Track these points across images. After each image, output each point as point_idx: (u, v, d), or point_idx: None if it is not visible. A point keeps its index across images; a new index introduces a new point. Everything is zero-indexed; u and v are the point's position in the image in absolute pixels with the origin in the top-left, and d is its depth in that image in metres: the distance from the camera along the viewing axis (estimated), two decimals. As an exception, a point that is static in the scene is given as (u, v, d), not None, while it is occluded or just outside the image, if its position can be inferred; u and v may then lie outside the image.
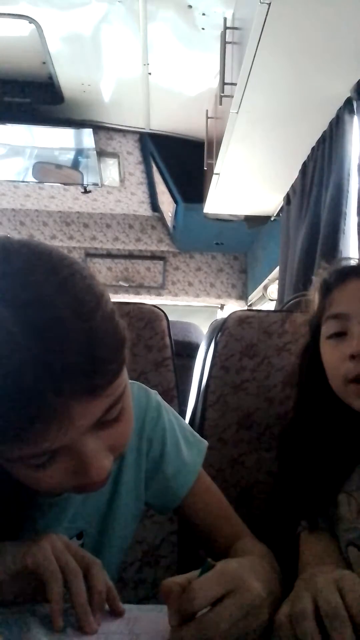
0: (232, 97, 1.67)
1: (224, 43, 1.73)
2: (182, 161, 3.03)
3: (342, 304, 0.81)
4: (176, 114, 2.84)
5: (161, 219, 3.97)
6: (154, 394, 0.83)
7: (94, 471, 0.54)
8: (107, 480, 0.58)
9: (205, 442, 0.85)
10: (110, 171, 3.34)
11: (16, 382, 0.45)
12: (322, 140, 1.82)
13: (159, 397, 0.83)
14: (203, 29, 2.11)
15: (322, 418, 0.83)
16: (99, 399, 0.50)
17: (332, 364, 0.80)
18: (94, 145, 2.99)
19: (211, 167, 2.35)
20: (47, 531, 0.63)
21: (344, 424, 0.80)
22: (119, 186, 3.53)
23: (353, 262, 0.92)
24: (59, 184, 3.44)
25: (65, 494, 0.70)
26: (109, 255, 4.10)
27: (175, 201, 3.17)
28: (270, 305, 3.34)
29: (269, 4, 1.22)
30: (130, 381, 0.62)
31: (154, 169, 3.21)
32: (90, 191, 3.51)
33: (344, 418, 0.80)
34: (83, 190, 3.45)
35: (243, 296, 4.13)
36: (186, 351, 1.65)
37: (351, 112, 1.60)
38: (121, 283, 4.07)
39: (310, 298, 0.89)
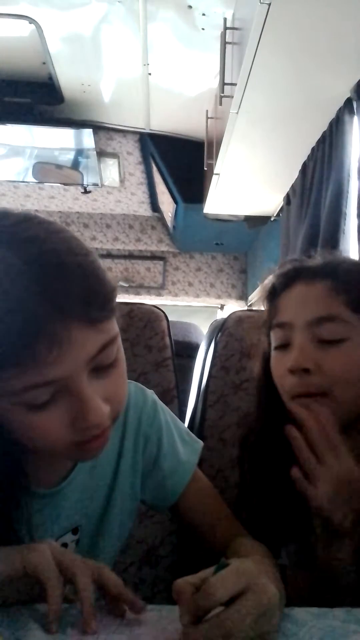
0: (232, 97, 1.67)
1: (224, 43, 1.73)
2: (182, 161, 3.03)
3: (286, 312, 0.77)
4: (176, 114, 2.84)
5: (161, 219, 3.97)
6: (151, 393, 0.84)
7: (92, 413, 0.54)
8: (104, 443, 0.59)
9: (201, 442, 0.86)
10: (110, 171, 3.34)
11: (19, 305, 0.49)
12: (322, 141, 1.82)
13: (156, 397, 0.84)
14: (203, 29, 2.11)
15: (278, 431, 0.75)
16: (95, 331, 0.53)
17: (277, 378, 0.77)
18: (94, 146, 2.99)
19: (211, 167, 2.35)
20: (43, 526, 0.63)
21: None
22: (119, 186, 3.53)
23: (300, 264, 0.83)
24: (59, 184, 3.44)
25: (62, 487, 0.71)
26: (109, 255, 4.10)
27: (175, 201, 3.17)
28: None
29: (269, 4, 1.22)
30: (127, 381, 0.64)
31: (154, 169, 3.21)
32: (90, 191, 3.51)
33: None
34: (83, 191, 3.45)
35: (243, 296, 4.12)
36: (186, 351, 1.65)
37: (351, 112, 1.60)
38: (121, 283, 4.07)
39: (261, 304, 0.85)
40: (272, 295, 0.82)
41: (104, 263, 0.58)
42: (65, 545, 0.73)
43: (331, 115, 1.70)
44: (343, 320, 0.73)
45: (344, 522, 0.66)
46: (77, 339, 0.51)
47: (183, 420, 1.32)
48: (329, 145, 1.74)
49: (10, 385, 0.51)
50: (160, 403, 0.84)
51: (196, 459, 0.83)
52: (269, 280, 0.84)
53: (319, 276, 0.77)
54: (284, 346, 0.77)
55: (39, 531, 0.67)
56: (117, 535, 0.79)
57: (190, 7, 2.00)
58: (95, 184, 3.38)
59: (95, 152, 3.05)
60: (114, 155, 3.20)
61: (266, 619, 0.50)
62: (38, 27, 2.20)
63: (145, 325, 1.24)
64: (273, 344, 0.79)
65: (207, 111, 2.48)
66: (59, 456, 0.66)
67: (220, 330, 1.24)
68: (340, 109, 1.65)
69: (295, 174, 2.12)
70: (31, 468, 0.64)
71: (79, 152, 3.11)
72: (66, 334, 0.50)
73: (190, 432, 0.87)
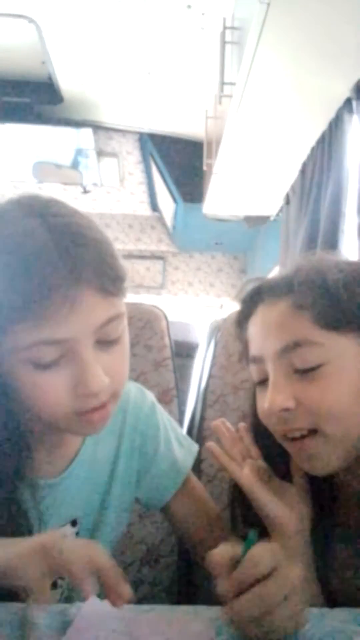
0: (232, 96, 1.67)
1: (223, 43, 1.73)
2: (182, 161, 3.03)
3: (255, 343, 0.67)
4: (176, 114, 2.84)
5: (161, 218, 3.97)
6: (150, 395, 0.86)
7: (92, 379, 0.57)
8: (104, 418, 0.62)
9: (197, 446, 0.88)
10: (110, 171, 3.34)
11: (39, 265, 0.53)
12: (321, 140, 1.82)
13: (154, 399, 0.86)
14: (202, 28, 2.11)
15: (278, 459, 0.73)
16: (105, 302, 0.58)
17: (262, 417, 0.68)
18: (93, 145, 2.99)
19: (210, 167, 2.35)
20: (43, 517, 0.66)
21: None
22: (119, 186, 3.53)
23: (261, 282, 0.71)
24: (58, 184, 3.44)
25: (63, 477, 0.72)
26: (109, 255, 4.09)
27: (175, 201, 3.17)
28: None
29: (268, 4, 1.22)
30: (128, 381, 0.68)
31: (154, 168, 3.21)
32: (89, 191, 3.51)
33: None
34: (83, 190, 3.45)
35: (243, 296, 4.12)
36: (186, 351, 1.65)
37: (351, 112, 1.60)
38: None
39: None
40: (241, 325, 0.71)
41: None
42: (64, 537, 0.73)
43: (331, 115, 1.70)
44: (313, 342, 0.61)
45: (291, 524, 0.67)
46: (87, 304, 0.55)
47: (182, 420, 1.32)
48: (328, 145, 1.74)
49: (21, 339, 0.54)
50: (158, 405, 0.86)
51: (191, 460, 0.85)
52: (235, 309, 0.74)
53: (279, 294, 0.65)
54: (263, 382, 0.67)
55: (39, 522, 0.68)
56: (114, 528, 0.80)
57: (189, 6, 2.00)
58: (94, 184, 3.38)
59: (94, 152, 3.05)
60: (113, 154, 3.20)
61: (299, 596, 0.50)
62: (37, 26, 2.19)
63: (144, 325, 1.24)
64: (254, 379, 0.69)
65: (206, 111, 2.48)
66: (60, 428, 0.64)
67: (220, 330, 1.24)
68: (339, 108, 1.65)
69: (295, 174, 2.12)
70: (34, 457, 0.66)
71: (79, 152, 3.11)
72: (78, 297, 0.54)
73: (187, 437, 0.88)
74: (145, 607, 0.59)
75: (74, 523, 0.75)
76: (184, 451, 0.85)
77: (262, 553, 0.50)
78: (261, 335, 0.66)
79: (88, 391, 0.57)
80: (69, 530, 0.74)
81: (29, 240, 0.54)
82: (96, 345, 0.58)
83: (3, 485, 0.62)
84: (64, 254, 0.54)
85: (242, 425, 0.78)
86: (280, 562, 0.50)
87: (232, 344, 1.22)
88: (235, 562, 0.50)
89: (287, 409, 0.62)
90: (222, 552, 0.51)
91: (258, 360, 0.66)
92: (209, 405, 1.20)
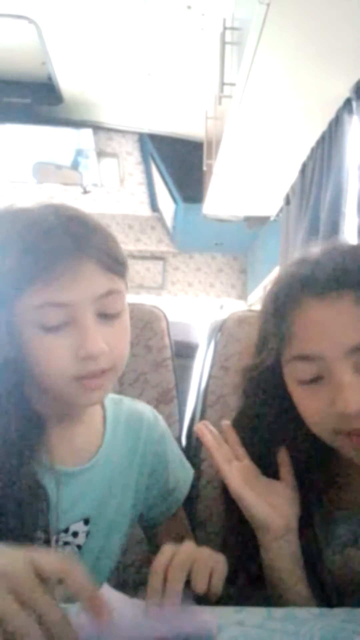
0: (232, 97, 1.67)
1: (223, 43, 1.73)
2: (182, 161, 3.03)
3: (310, 341, 0.62)
4: (175, 114, 2.84)
5: (161, 219, 3.97)
6: (161, 419, 0.92)
7: (90, 342, 0.64)
8: (102, 387, 0.68)
9: (192, 471, 0.95)
10: (110, 171, 3.34)
11: (46, 239, 0.63)
12: (321, 141, 1.82)
13: (164, 423, 0.92)
14: (202, 29, 2.11)
15: (285, 436, 0.73)
16: (105, 276, 0.66)
17: (314, 415, 0.65)
18: (93, 146, 2.99)
19: (210, 167, 2.35)
20: (58, 508, 0.69)
21: (309, 448, 0.72)
22: (119, 186, 3.53)
23: (305, 273, 0.65)
24: (58, 185, 3.44)
25: (82, 470, 0.74)
26: (109, 255, 4.09)
27: (175, 201, 3.17)
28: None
29: (268, 4, 1.22)
30: (143, 404, 0.87)
31: (154, 169, 3.21)
32: (89, 191, 3.51)
33: (308, 440, 0.70)
34: (83, 191, 3.45)
35: (243, 296, 4.12)
36: (186, 351, 1.65)
37: (350, 112, 1.60)
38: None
39: (261, 324, 0.70)
40: (279, 318, 0.65)
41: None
42: (75, 534, 0.75)
43: (331, 115, 1.70)
44: None
45: (277, 524, 0.68)
46: (88, 275, 0.65)
47: (182, 420, 1.32)
48: (328, 145, 1.74)
49: (31, 301, 0.63)
50: (167, 429, 0.92)
51: (188, 489, 0.92)
52: (269, 296, 0.69)
53: (340, 288, 0.61)
54: (314, 380, 0.63)
55: (54, 514, 0.70)
56: (126, 531, 0.83)
57: (189, 7, 2.00)
58: (94, 184, 3.38)
59: (94, 152, 3.05)
60: (113, 155, 3.20)
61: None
62: (37, 27, 2.20)
63: (144, 325, 1.24)
64: (295, 377, 0.64)
65: (206, 111, 2.48)
66: (63, 398, 0.69)
67: (220, 330, 1.24)
68: (339, 109, 1.65)
69: (294, 174, 2.12)
70: (53, 442, 0.71)
71: (79, 152, 3.11)
72: (80, 267, 0.64)
73: (187, 462, 0.95)
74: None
75: (86, 522, 0.76)
76: (185, 475, 0.92)
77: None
78: (322, 332, 0.60)
79: (87, 353, 0.64)
80: (81, 528, 0.75)
81: (41, 223, 0.65)
82: (98, 317, 0.66)
83: (23, 464, 0.66)
84: (70, 233, 0.65)
85: (226, 423, 0.78)
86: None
87: (232, 344, 1.22)
88: None
89: None
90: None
91: (312, 358, 0.61)
92: (209, 406, 1.20)
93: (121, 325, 0.70)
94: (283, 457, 0.74)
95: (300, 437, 0.71)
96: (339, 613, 0.58)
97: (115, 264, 0.68)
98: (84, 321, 0.64)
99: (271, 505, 0.69)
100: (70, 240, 0.64)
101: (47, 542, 0.68)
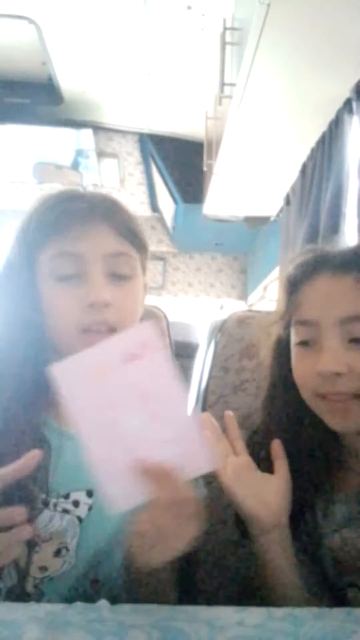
0: (232, 97, 1.67)
1: (223, 43, 1.73)
2: (182, 162, 3.03)
3: (311, 308, 0.71)
4: (176, 115, 2.84)
5: (161, 219, 3.97)
6: None
7: (96, 291, 0.70)
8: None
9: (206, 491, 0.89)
10: (110, 172, 3.34)
11: (68, 200, 0.75)
12: (321, 141, 1.82)
13: None
14: (202, 29, 2.11)
15: (290, 423, 0.77)
16: (115, 237, 0.74)
17: (301, 375, 0.73)
18: (93, 146, 2.99)
19: (211, 167, 2.35)
20: (63, 470, 0.70)
21: (313, 433, 0.75)
22: (119, 187, 3.53)
23: (323, 253, 0.76)
24: (58, 185, 3.44)
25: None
26: (109, 255, 4.09)
27: (175, 202, 3.17)
28: (270, 306, 3.34)
29: (269, 5, 1.22)
30: None
31: (154, 169, 3.21)
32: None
33: (312, 426, 0.75)
34: (83, 191, 3.45)
35: (243, 297, 4.12)
36: (186, 351, 1.64)
37: (351, 112, 1.60)
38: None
39: (278, 294, 0.79)
40: (292, 287, 0.74)
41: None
42: (76, 503, 0.74)
43: (331, 115, 1.70)
44: None
45: (265, 520, 0.69)
46: (98, 232, 0.73)
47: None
48: (328, 146, 1.74)
49: (48, 252, 0.72)
50: None
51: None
52: (288, 270, 0.77)
53: (347, 268, 0.69)
54: (307, 343, 0.71)
55: (56, 474, 0.70)
56: (129, 518, 0.80)
57: (189, 7, 2.00)
58: (95, 185, 3.38)
59: (95, 153, 3.06)
60: (113, 155, 3.20)
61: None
62: (38, 27, 2.20)
63: (145, 325, 1.24)
64: (294, 339, 0.73)
65: (206, 111, 2.48)
66: (71, 351, 0.69)
67: (220, 330, 1.24)
68: (339, 109, 1.65)
69: (295, 174, 2.12)
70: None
71: (79, 153, 3.11)
72: (93, 224, 0.72)
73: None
74: (145, 606, 0.59)
75: (89, 494, 0.75)
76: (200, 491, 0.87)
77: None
78: (321, 302, 0.70)
79: (91, 301, 0.69)
80: (84, 498, 0.74)
81: (64, 192, 0.78)
82: (108, 277, 0.72)
83: (32, 418, 0.69)
84: (87, 199, 0.75)
85: (228, 414, 0.80)
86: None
87: (232, 345, 1.22)
88: None
89: (338, 374, 0.66)
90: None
91: (310, 323, 0.70)
92: (209, 406, 1.20)
93: (131, 289, 0.75)
94: (277, 449, 0.75)
95: (304, 420, 0.75)
96: (339, 613, 0.58)
97: (126, 232, 0.75)
98: (92, 273, 0.71)
99: (261, 500, 0.70)
100: (86, 204, 0.74)
101: (45, 504, 0.70)
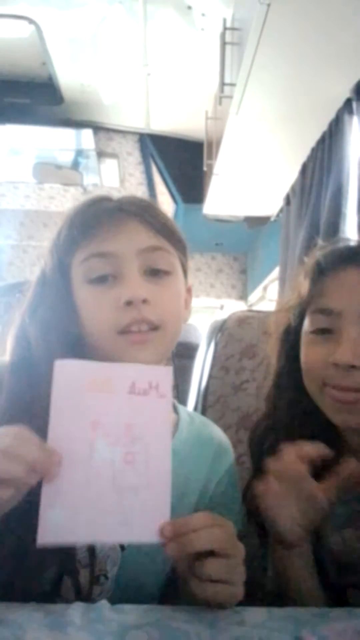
0: (232, 97, 1.67)
1: (223, 44, 1.73)
2: (182, 162, 3.03)
3: (334, 298, 0.69)
4: (176, 115, 2.85)
5: (161, 219, 3.97)
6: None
7: (131, 287, 0.66)
8: (144, 345, 0.67)
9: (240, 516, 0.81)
10: (110, 172, 3.34)
11: (99, 203, 0.73)
12: (321, 141, 1.82)
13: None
14: (202, 29, 2.11)
15: (293, 416, 0.75)
16: (148, 232, 0.70)
17: (311, 363, 0.71)
18: (93, 146, 3.00)
19: (211, 167, 2.35)
20: None
21: (315, 429, 0.72)
22: (119, 187, 3.53)
23: (353, 244, 0.76)
24: (58, 185, 3.44)
25: None
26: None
27: (175, 202, 3.17)
28: (270, 306, 3.34)
29: (269, 5, 1.22)
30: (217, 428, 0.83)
31: (154, 169, 3.21)
32: (90, 192, 3.51)
33: (314, 421, 0.72)
34: (83, 191, 3.45)
35: (243, 297, 4.12)
36: (186, 351, 1.64)
37: (351, 112, 1.60)
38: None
39: (299, 280, 0.77)
40: (317, 274, 0.73)
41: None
42: None
43: (331, 115, 1.70)
44: None
45: (293, 534, 0.65)
46: (130, 229, 0.69)
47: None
48: (328, 146, 1.74)
49: (80, 255, 0.69)
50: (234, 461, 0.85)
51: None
52: (314, 256, 0.75)
53: None
54: (323, 332, 0.69)
55: None
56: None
57: (189, 7, 2.00)
58: (95, 185, 3.38)
59: (95, 153, 3.06)
60: (113, 155, 3.20)
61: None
62: (38, 27, 2.20)
63: (145, 325, 1.24)
64: (309, 327, 0.71)
65: (206, 111, 2.48)
66: (110, 356, 0.66)
67: (220, 330, 1.24)
68: (339, 109, 1.65)
69: (295, 174, 2.12)
70: None
71: (79, 153, 3.11)
72: (123, 222, 0.69)
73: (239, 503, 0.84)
74: (145, 606, 0.59)
75: None
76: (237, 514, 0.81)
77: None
78: (347, 293, 0.69)
79: (127, 298, 0.65)
80: None
81: (93, 198, 0.75)
82: (144, 274, 0.69)
83: None
84: (116, 200, 0.74)
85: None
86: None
87: (232, 345, 1.22)
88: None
89: (353, 366, 0.65)
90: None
91: (331, 312, 0.69)
92: (209, 406, 1.20)
93: (170, 286, 0.71)
94: (346, 467, 0.67)
95: (307, 414, 0.73)
96: (339, 613, 0.58)
97: (161, 227, 0.71)
98: (126, 271, 0.67)
99: (292, 516, 0.65)
100: (115, 204, 0.72)
101: None
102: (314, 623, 0.55)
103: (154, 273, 0.70)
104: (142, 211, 0.71)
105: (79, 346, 0.69)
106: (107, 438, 0.54)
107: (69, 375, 0.55)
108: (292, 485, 0.65)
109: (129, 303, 0.65)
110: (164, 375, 0.57)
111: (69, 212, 0.74)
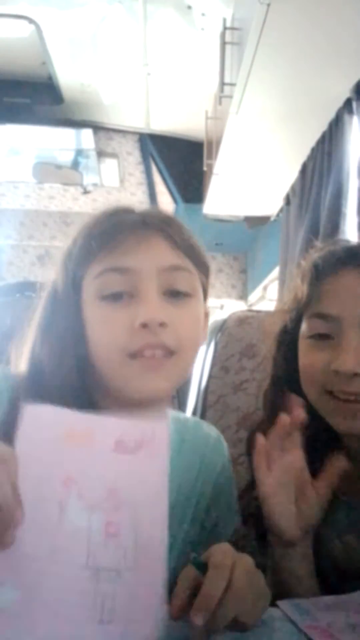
0: (232, 97, 1.67)
1: (223, 43, 1.73)
2: (182, 162, 3.04)
3: (333, 303, 0.67)
4: (176, 115, 2.85)
5: (161, 219, 3.98)
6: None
7: (148, 308, 0.60)
8: (158, 370, 0.61)
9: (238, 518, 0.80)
10: (110, 172, 3.34)
11: (120, 214, 0.67)
12: (321, 141, 1.82)
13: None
14: (202, 29, 2.11)
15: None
16: (171, 250, 0.64)
17: (310, 370, 0.69)
18: (93, 146, 3.00)
19: (211, 167, 2.35)
20: None
21: (314, 434, 0.70)
22: (119, 187, 3.53)
23: (354, 247, 0.74)
24: (58, 185, 3.44)
25: None
26: (109, 255, 4.10)
27: (175, 201, 3.17)
28: (270, 306, 3.34)
29: (269, 5, 1.22)
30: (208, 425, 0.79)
31: (154, 169, 3.21)
32: (90, 191, 3.51)
33: (314, 427, 0.70)
34: (83, 191, 3.45)
35: (243, 296, 4.12)
36: (186, 351, 1.64)
37: (351, 112, 1.60)
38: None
39: (296, 283, 0.74)
40: (314, 277, 0.70)
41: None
42: None
43: (331, 115, 1.70)
44: None
45: (293, 530, 0.65)
46: (152, 244, 0.63)
47: (183, 420, 1.32)
48: (328, 146, 1.74)
49: (95, 269, 0.63)
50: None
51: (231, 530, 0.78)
52: (311, 258, 0.73)
53: None
54: (321, 337, 0.67)
55: None
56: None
57: (189, 7, 2.00)
58: (95, 184, 3.38)
59: (95, 152, 3.06)
60: (113, 155, 3.20)
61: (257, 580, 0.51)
62: (38, 27, 2.20)
63: (145, 325, 1.24)
64: (307, 332, 0.69)
65: (206, 111, 2.48)
66: (119, 379, 0.63)
67: (220, 330, 1.24)
68: (339, 109, 1.65)
69: (295, 174, 2.12)
70: None
71: (79, 153, 3.11)
72: (145, 236, 0.63)
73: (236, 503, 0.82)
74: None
75: None
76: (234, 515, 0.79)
77: (213, 577, 0.47)
78: (347, 297, 0.67)
79: (143, 320, 0.59)
80: None
81: (112, 208, 0.69)
82: (163, 295, 0.63)
83: None
84: (138, 212, 0.68)
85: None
86: (235, 557, 0.50)
87: (232, 344, 1.22)
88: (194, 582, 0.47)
89: (357, 374, 0.63)
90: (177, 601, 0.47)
91: (330, 317, 0.67)
92: (209, 406, 1.20)
93: (189, 309, 0.65)
94: (336, 464, 0.67)
95: (307, 423, 0.69)
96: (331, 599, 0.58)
97: (184, 245, 0.66)
98: (144, 290, 0.61)
99: (290, 513, 0.65)
100: (138, 217, 0.66)
101: None
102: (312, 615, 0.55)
103: (174, 294, 0.64)
104: (166, 226, 0.65)
105: (91, 370, 0.64)
106: (83, 500, 0.43)
107: (42, 422, 0.47)
108: (290, 476, 0.66)
109: (144, 325, 0.60)
110: (159, 431, 0.48)
111: (87, 219, 0.68)
